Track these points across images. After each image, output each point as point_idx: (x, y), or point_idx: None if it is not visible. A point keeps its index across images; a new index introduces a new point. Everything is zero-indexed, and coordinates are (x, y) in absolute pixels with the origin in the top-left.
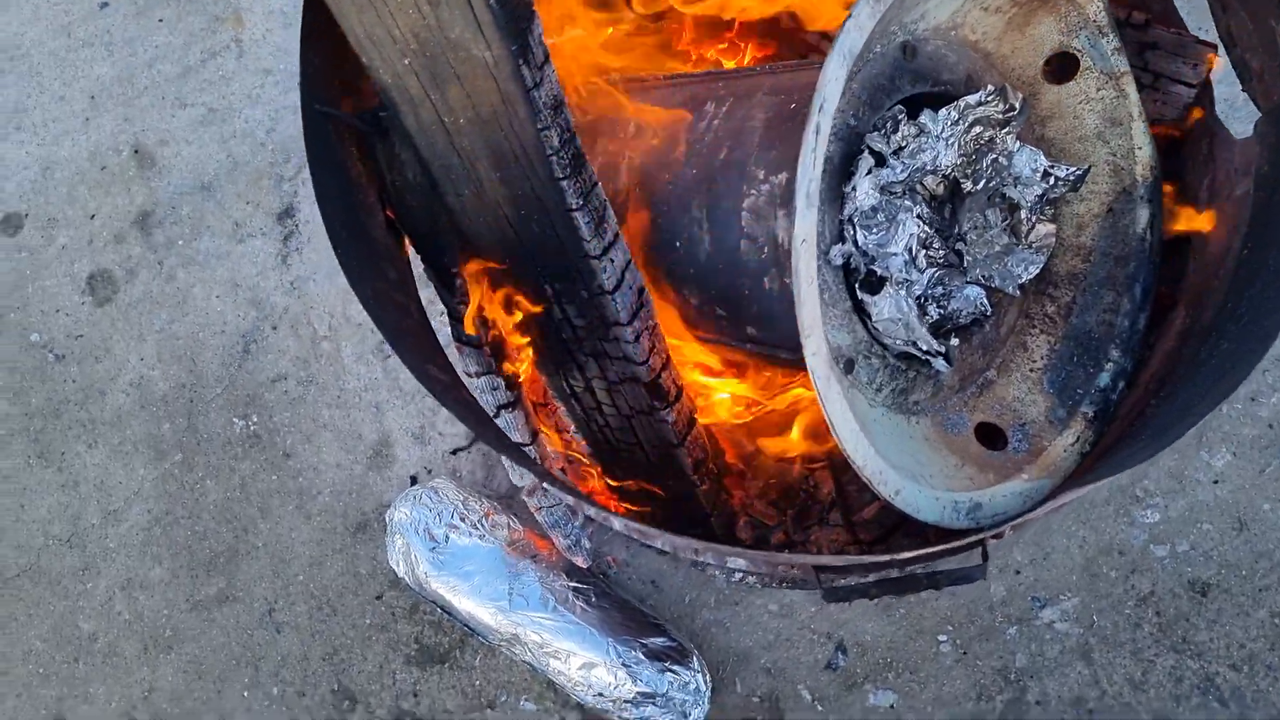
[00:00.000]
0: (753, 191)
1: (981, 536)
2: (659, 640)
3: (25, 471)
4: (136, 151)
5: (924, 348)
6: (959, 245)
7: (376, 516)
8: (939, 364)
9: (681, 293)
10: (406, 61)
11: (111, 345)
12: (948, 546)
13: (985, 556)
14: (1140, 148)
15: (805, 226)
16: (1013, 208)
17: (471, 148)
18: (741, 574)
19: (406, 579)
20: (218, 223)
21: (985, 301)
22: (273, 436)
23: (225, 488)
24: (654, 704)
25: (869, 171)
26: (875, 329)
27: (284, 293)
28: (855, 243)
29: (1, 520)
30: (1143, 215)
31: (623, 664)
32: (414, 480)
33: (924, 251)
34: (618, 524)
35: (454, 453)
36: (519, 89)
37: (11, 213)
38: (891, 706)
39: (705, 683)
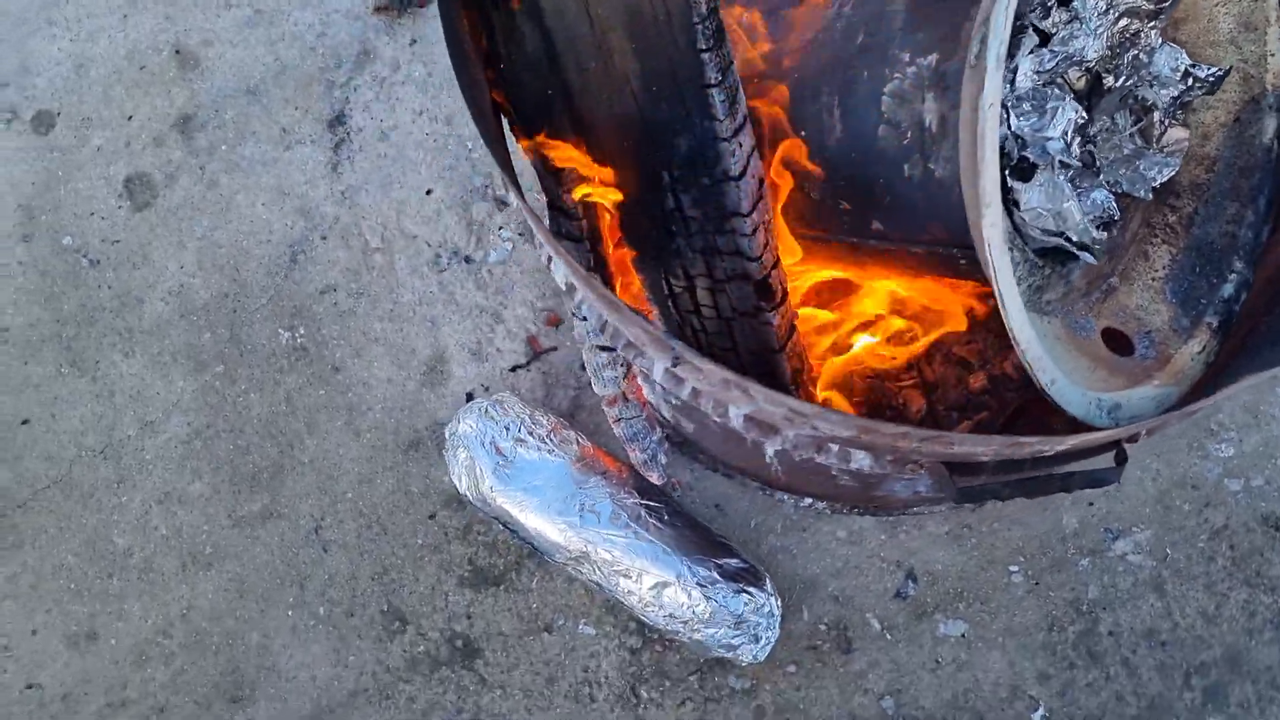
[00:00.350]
0: (896, 75)
1: (1117, 435)
2: (733, 562)
3: (56, 380)
4: (178, 52)
5: (1074, 238)
6: (1089, 147)
7: (430, 434)
8: (1086, 257)
9: (801, 185)
10: None
11: (150, 251)
12: (1101, 438)
13: (1124, 459)
14: (1273, 54)
15: (993, 89)
16: (1145, 110)
17: (607, 15)
18: (811, 500)
19: (468, 494)
20: (264, 128)
21: (1114, 205)
22: (321, 350)
23: (270, 401)
24: (728, 626)
25: (1031, 51)
26: (1020, 219)
27: (334, 202)
28: (1009, 125)
29: (31, 430)
30: (1270, 125)
31: (697, 584)
32: (470, 397)
33: (1078, 139)
34: (747, 405)
35: (513, 370)
36: None
37: (43, 110)
38: (962, 636)
39: (777, 607)
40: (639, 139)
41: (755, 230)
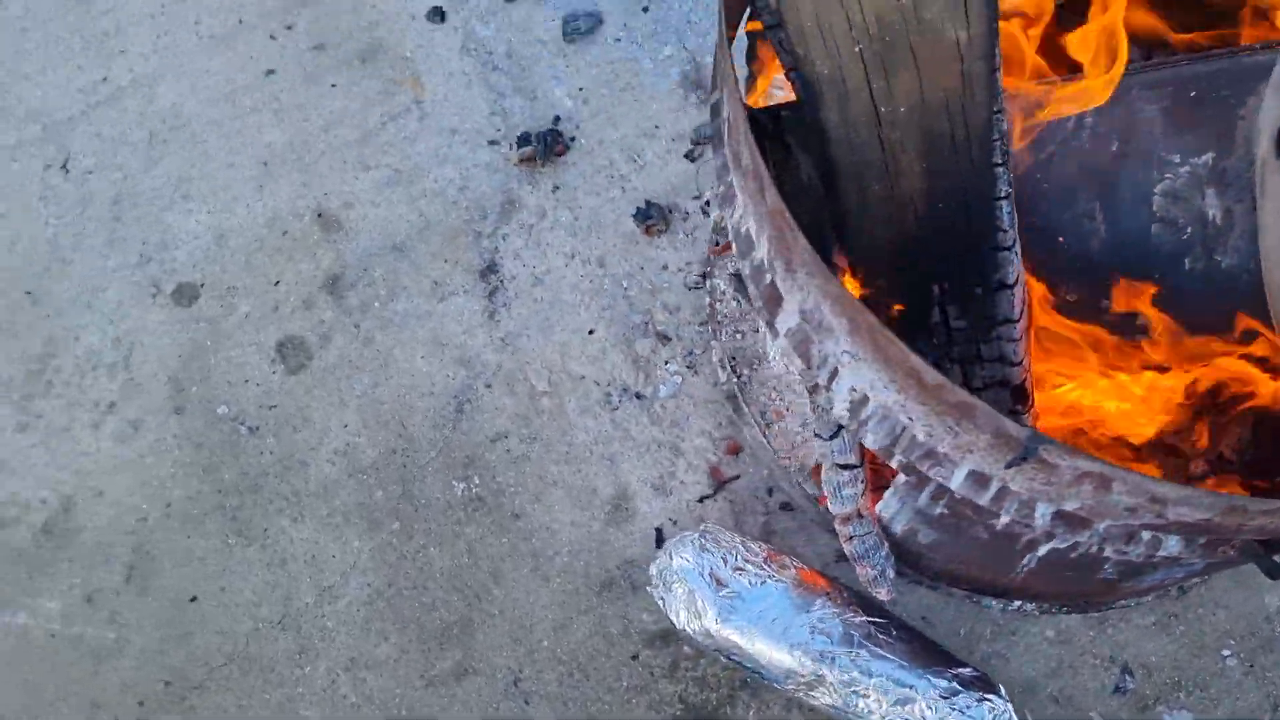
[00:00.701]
0: (1167, 176)
1: None
2: (967, 670)
3: (224, 552)
4: (320, 215)
5: None
6: None
7: (622, 573)
8: None
9: (1056, 289)
10: (857, 49)
11: (310, 414)
12: None
13: None
14: None
15: None
16: None
17: (901, 138)
18: (1020, 603)
19: (687, 629)
20: (414, 283)
21: None
22: (498, 498)
23: (451, 554)
24: None
25: None
26: None
27: (495, 350)
28: None
29: (200, 607)
30: None
31: (941, 696)
32: (660, 532)
33: None
34: (1081, 500)
35: (700, 500)
36: (986, 70)
37: (185, 283)
38: None
39: (1013, 713)
40: (914, 255)
41: (1022, 335)
